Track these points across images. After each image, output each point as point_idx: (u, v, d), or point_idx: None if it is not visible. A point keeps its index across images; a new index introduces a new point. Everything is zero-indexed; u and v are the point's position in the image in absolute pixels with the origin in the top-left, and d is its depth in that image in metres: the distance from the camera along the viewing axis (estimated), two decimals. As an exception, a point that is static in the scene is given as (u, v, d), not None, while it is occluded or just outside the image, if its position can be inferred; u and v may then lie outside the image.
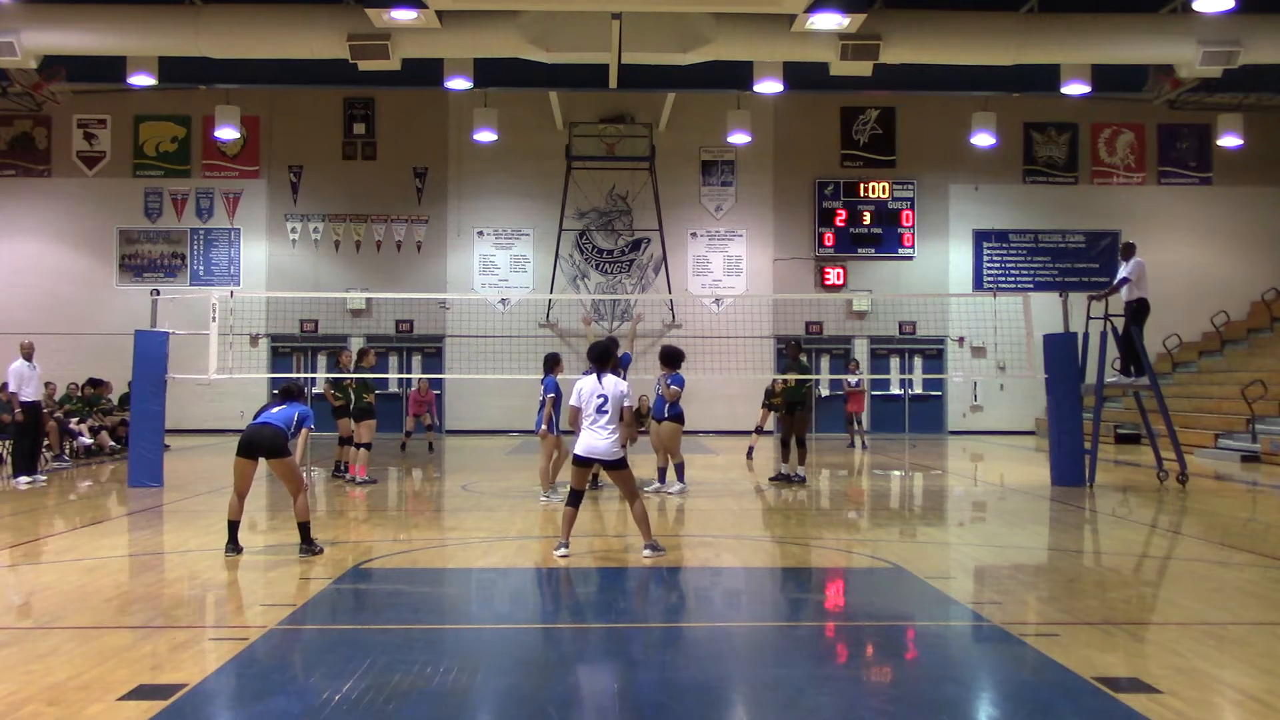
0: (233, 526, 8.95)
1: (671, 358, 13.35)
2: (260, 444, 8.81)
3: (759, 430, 18.59)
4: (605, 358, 8.74)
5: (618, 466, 8.64)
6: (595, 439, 8.53)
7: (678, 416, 13.37)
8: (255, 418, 9.15)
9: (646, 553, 8.68)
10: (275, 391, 9.79)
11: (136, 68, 19.30)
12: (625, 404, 8.61)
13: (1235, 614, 6.99)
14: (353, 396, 14.91)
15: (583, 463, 8.69)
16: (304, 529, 8.94)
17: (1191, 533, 11.10)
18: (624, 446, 8.69)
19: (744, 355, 23.34)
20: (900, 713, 5.05)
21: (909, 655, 6.31)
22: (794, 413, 14.81)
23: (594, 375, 8.68)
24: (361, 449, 14.58)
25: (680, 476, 13.52)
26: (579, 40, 18.00)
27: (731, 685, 5.57)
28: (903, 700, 5.27)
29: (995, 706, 5.26)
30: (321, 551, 8.92)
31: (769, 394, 17.42)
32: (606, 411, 8.50)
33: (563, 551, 8.67)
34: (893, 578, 8.27)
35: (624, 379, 9.50)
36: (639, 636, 6.56)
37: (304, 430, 9.03)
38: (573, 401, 8.68)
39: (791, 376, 14.89)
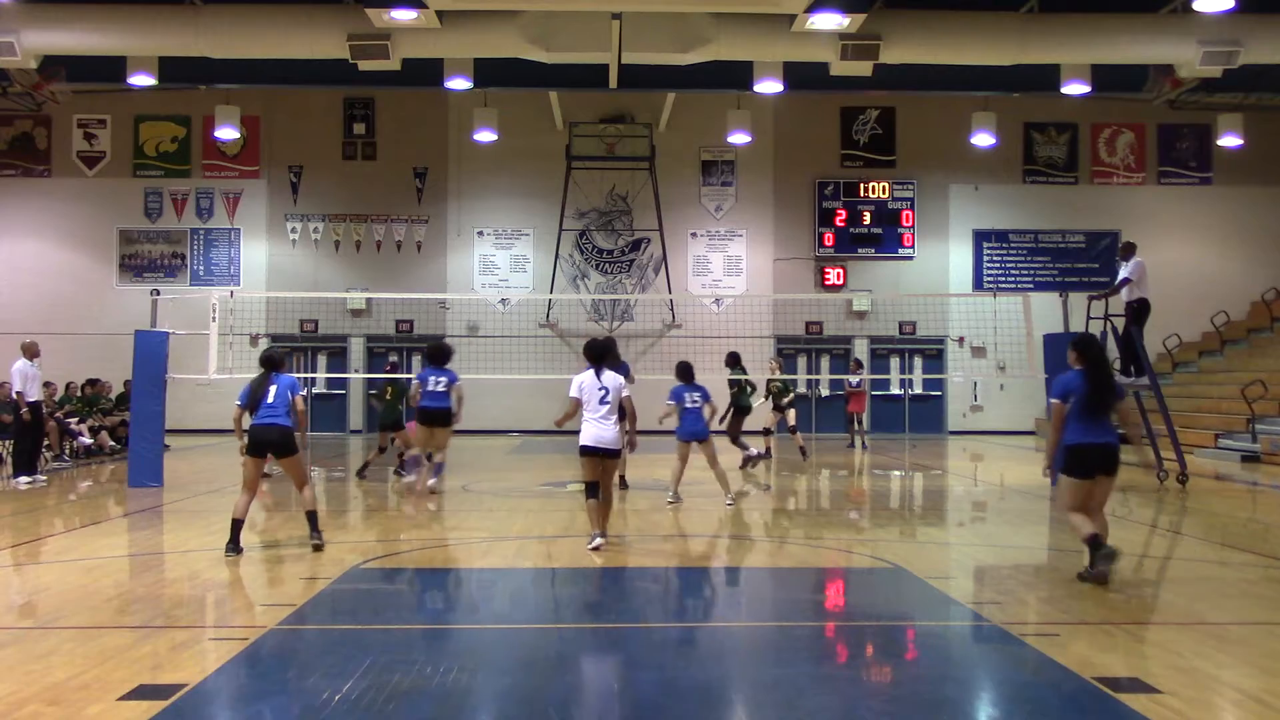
0: (236, 525, 8.93)
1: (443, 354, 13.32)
2: (269, 443, 8.99)
3: (766, 431, 18.63)
4: (603, 355, 9.26)
5: (615, 456, 9.22)
6: (601, 430, 9.03)
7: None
8: (253, 411, 9.10)
9: (593, 542, 9.00)
10: (260, 362, 9.45)
11: (136, 68, 19.28)
12: (625, 395, 9.19)
13: (1235, 614, 6.99)
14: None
15: (591, 452, 9.08)
16: (312, 518, 9.12)
17: (1191, 533, 11.11)
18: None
19: (744, 355, 23.24)
20: (900, 713, 5.05)
21: (909, 655, 6.32)
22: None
23: (593, 371, 9.16)
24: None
25: (414, 467, 13.60)
26: (579, 40, 18.00)
27: (731, 685, 5.57)
28: (903, 700, 5.27)
29: (995, 706, 5.26)
30: (323, 546, 8.98)
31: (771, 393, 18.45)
32: (608, 403, 9.03)
33: (598, 542, 8.99)
34: (893, 578, 8.27)
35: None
36: (639, 636, 6.56)
37: (297, 398, 9.12)
38: (572, 393, 9.15)
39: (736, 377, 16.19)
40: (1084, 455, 7.55)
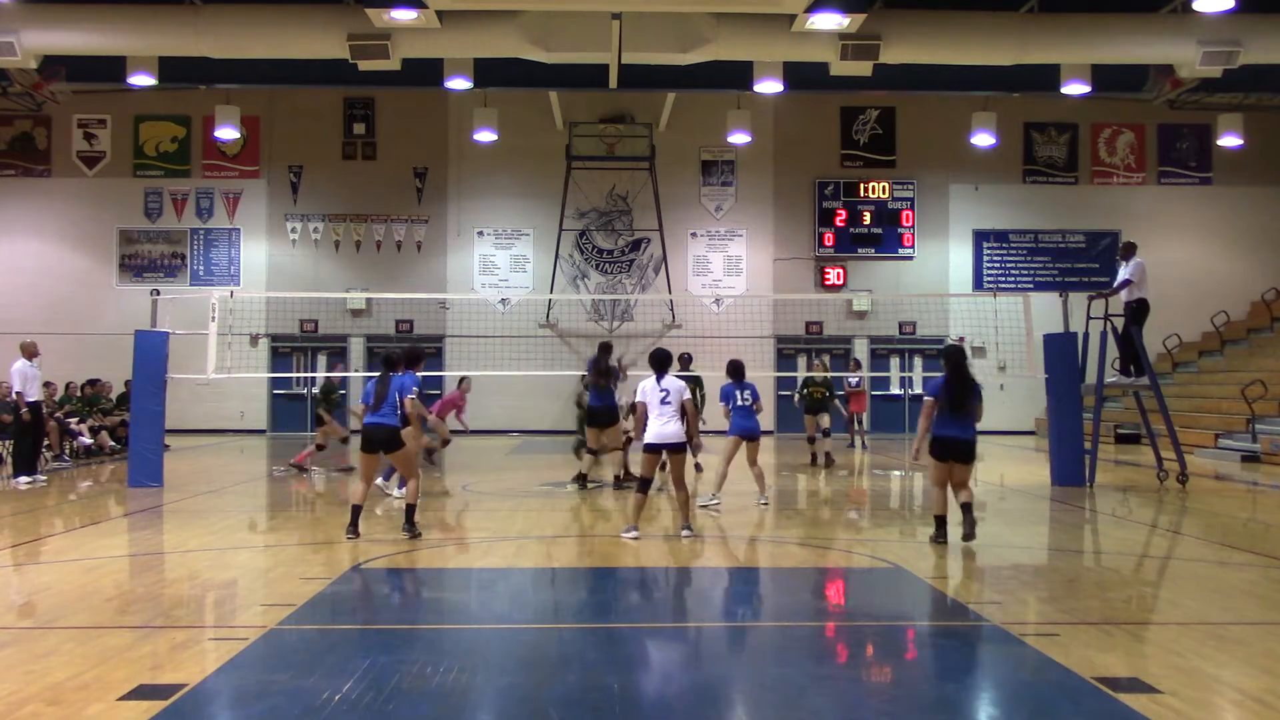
0: (355, 510, 9.75)
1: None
2: (377, 441, 9.79)
3: (825, 433, 18.15)
4: (664, 363, 10.04)
5: (679, 450, 9.87)
6: (662, 428, 9.74)
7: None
8: (369, 408, 9.81)
9: (685, 533, 9.83)
10: (381, 361, 10.44)
11: (136, 68, 19.27)
12: (685, 397, 9.86)
13: (1235, 614, 6.99)
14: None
15: (653, 449, 9.82)
16: (410, 511, 9.86)
17: (1191, 533, 11.11)
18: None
19: (744, 355, 22.99)
20: (900, 713, 5.05)
21: (909, 655, 6.32)
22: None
23: (654, 378, 9.91)
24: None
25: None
26: (579, 40, 17.98)
27: (731, 685, 5.57)
28: (903, 700, 5.27)
29: (995, 706, 5.25)
30: (420, 535, 9.73)
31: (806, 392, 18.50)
32: (670, 404, 9.78)
33: (633, 534, 9.68)
34: (893, 578, 8.28)
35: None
36: (639, 636, 6.56)
37: (405, 400, 9.78)
38: (638, 398, 9.93)
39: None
40: (942, 444, 9.39)
